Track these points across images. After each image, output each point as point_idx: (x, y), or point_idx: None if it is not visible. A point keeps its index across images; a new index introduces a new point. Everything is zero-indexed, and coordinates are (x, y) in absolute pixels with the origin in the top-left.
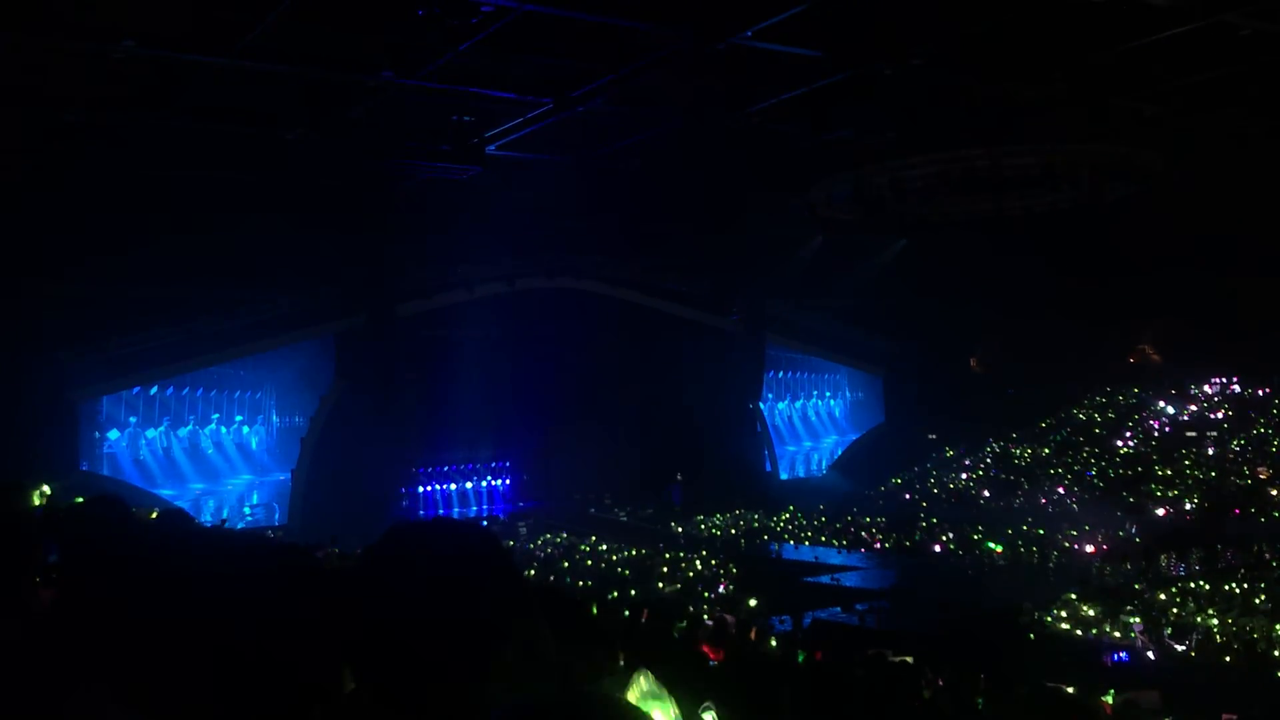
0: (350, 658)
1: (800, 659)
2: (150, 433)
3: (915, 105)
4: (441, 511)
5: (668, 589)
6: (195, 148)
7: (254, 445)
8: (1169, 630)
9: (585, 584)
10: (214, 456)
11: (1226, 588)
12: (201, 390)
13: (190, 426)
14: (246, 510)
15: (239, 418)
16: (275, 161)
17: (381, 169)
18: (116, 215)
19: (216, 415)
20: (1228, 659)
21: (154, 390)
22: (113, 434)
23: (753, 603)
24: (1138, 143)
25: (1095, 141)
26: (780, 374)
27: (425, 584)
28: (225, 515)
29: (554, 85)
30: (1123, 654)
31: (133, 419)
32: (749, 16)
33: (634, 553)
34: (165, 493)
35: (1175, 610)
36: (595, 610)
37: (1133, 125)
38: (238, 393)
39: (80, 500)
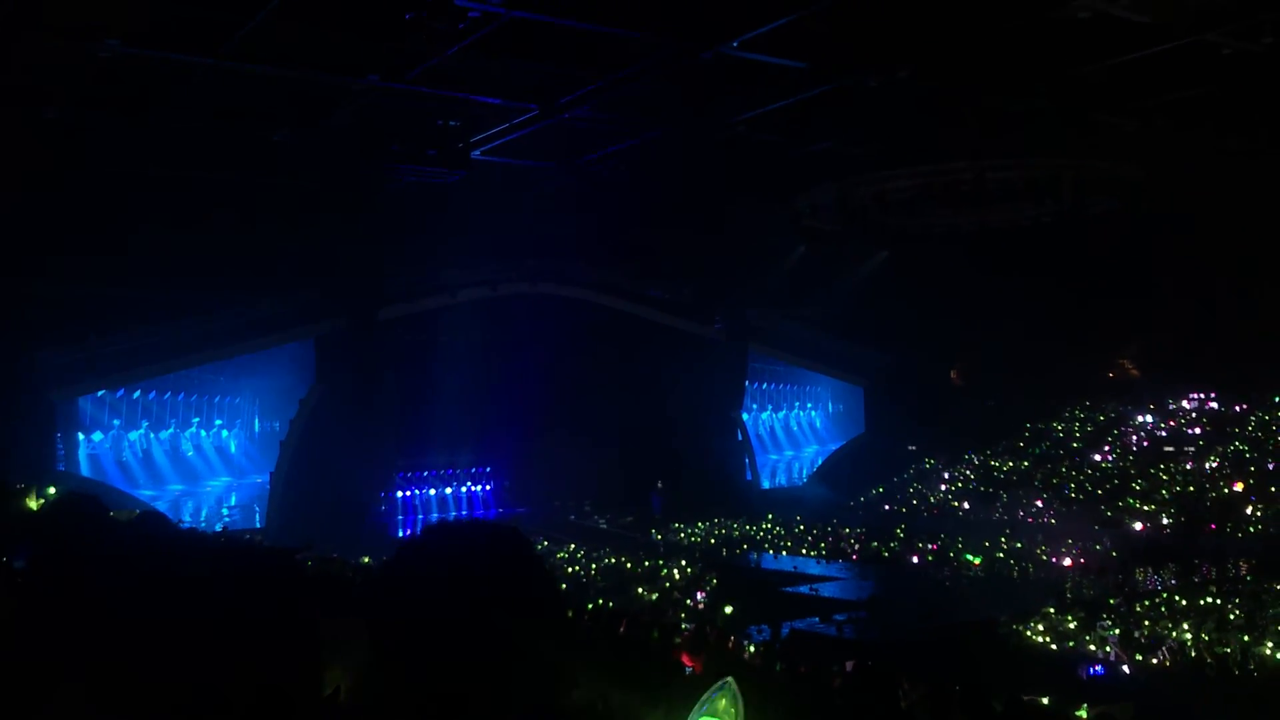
0: (380, 654)
1: (777, 669)
2: (132, 435)
3: (900, 118)
4: (420, 517)
5: (646, 597)
6: (179, 148)
7: (233, 449)
8: (1144, 644)
9: (564, 589)
10: (194, 459)
11: (1202, 602)
12: (183, 395)
13: (171, 430)
14: (224, 512)
15: (219, 422)
16: (260, 163)
17: (366, 172)
18: (98, 215)
19: (197, 419)
20: (1202, 672)
21: (136, 394)
22: (96, 435)
23: (729, 609)
24: (1120, 158)
25: (1078, 156)
26: (763, 385)
27: (455, 584)
28: (220, 523)
29: (540, 91)
30: (1098, 667)
31: (116, 421)
32: (735, 27)
33: (613, 560)
34: (145, 493)
35: (1150, 624)
36: (571, 617)
37: (1115, 141)
38: (218, 397)
39: (54, 495)
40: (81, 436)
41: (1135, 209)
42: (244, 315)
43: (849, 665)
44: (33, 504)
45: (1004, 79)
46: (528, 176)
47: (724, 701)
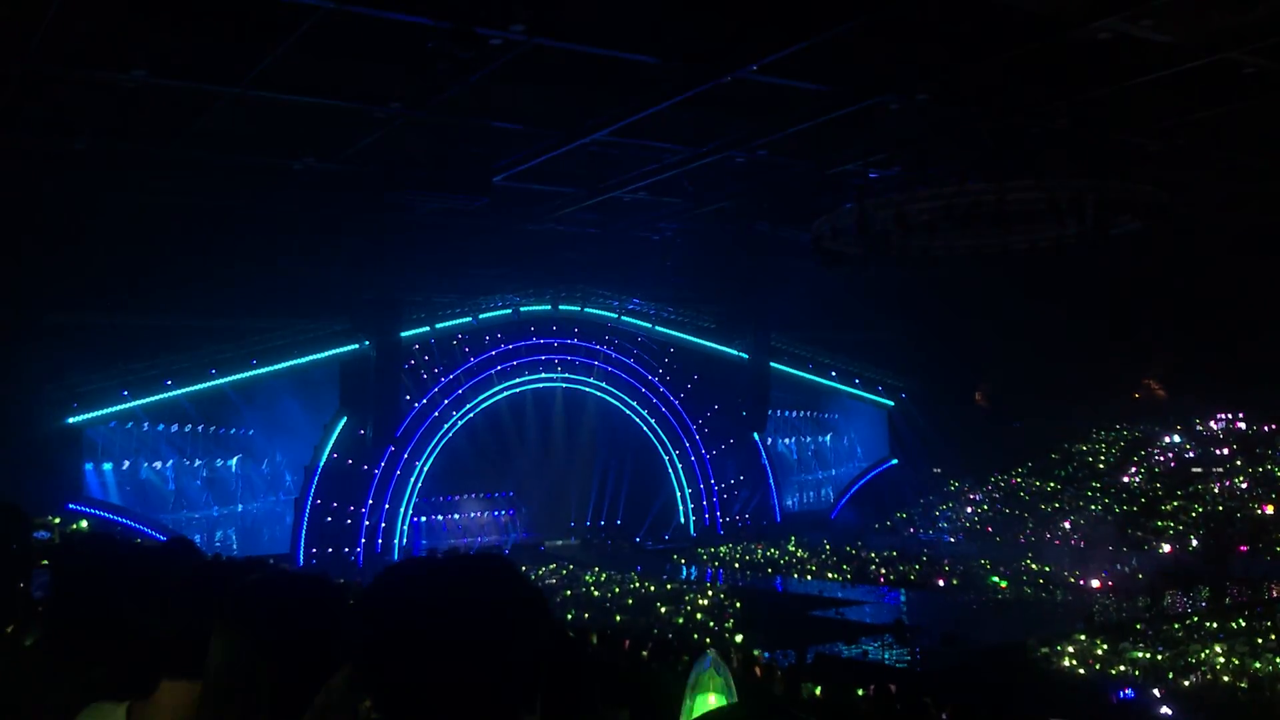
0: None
1: (805, 694)
2: (155, 463)
3: (921, 140)
4: (450, 543)
5: (672, 620)
6: (203, 176)
7: (259, 474)
8: (1174, 667)
9: (587, 615)
10: (221, 485)
11: (1233, 625)
12: (213, 427)
13: (192, 459)
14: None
15: (241, 454)
16: (283, 190)
17: (388, 199)
18: (122, 243)
19: (224, 448)
20: (1234, 697)
21: (162, 427)
22: (124, 464)
23: (739, 638)
24: (1142, 178)
25: (1099, 176)
26: (788, 413)
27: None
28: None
29: (562, 117)
30: (1128, 691)
31: (141, 449)
32: (756, 51)
33: (637, 584)
34: (191, 515)
35: (1181, 647)
36: (595, 642)
37: (1137, 160)
38: (245, 428)
39: (79, 523)
40: (109, 465)
41: (1160, 228)
42: (268, 340)
43: (876, 689)
44: (54, 532)
45: (1025, 100)
46: (550, 201)
47: (712, 673)
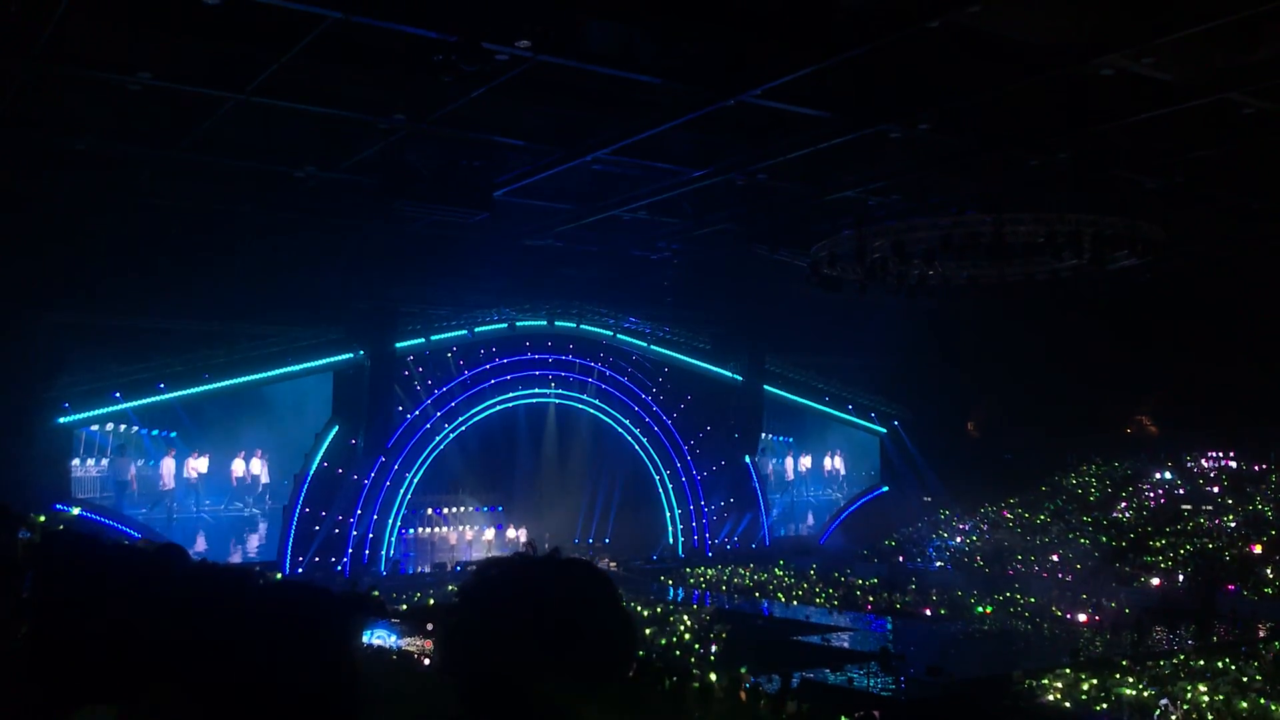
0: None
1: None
2: (145, 463)
3: (921, 169)
4: (442, 555)
5: (655, 643)
6: (204, 181)
7: (247, 479)
8: (1160, 704)
9: None
10: (207, 489)
11: (1219, 664)
12: (198, 431)
13: (183, 458)
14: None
15: (227, 458)
16: (283, 198)
17: (389, 209)
18: (120, 244)
19: (211, 449)
20: None
21: (156, 432)
22: (107, 462)
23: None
24: (1140, 214)
25: (1098, 211)
26: (779, 438)
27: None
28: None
29: (564, 135)
30: None
31: (129, 450)
32: (760, 75)
33: (623, 604)
34: (171, 519)
35: (1167, 684)
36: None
37: (1136, 196)
38: (234, 433)
39: (62, 523)
40: (102, 461)
41: (1156, 266)
42: (262, 347)
43: (859, 716)
44: (36, 531)
45: (1026, 133)
46: (550, 217)
47: None
